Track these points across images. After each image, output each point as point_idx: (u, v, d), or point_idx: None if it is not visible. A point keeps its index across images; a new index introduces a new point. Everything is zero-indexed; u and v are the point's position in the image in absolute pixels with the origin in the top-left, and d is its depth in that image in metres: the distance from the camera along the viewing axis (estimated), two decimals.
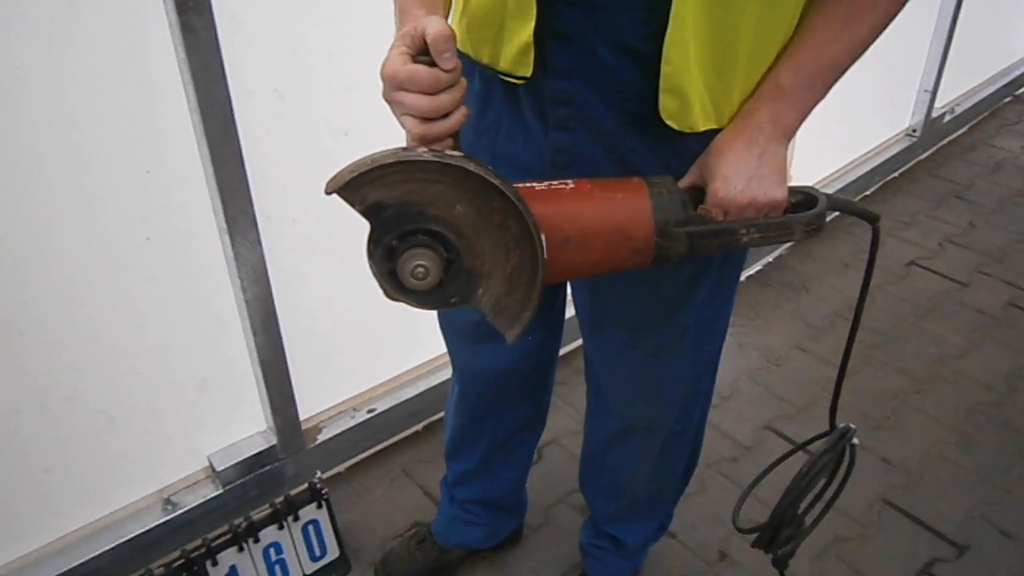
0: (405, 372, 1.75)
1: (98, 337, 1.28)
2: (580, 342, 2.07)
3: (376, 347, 1.65)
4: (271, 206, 1.34)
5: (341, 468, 1.70)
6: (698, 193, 0.86)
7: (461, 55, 0.91)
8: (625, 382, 1.12)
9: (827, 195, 0.87)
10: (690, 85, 0.80)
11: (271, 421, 1.52)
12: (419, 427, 1.80)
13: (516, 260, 0.74)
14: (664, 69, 0.79)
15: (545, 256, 0.74)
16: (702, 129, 0.84)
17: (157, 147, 1.21)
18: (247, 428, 1.54)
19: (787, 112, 0.83)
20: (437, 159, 0.67)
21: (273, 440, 1.53)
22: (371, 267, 0.72)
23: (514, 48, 0.83)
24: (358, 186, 0.68)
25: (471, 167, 0.68)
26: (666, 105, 0.81)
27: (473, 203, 0.70)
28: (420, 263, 0.70)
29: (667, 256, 0.82)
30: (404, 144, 0.75)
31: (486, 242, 0.73)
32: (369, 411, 1.67)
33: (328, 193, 0.67)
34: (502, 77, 0.88)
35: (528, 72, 0.84)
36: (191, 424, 1.46)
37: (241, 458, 1.50)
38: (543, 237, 0.73)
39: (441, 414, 1.77)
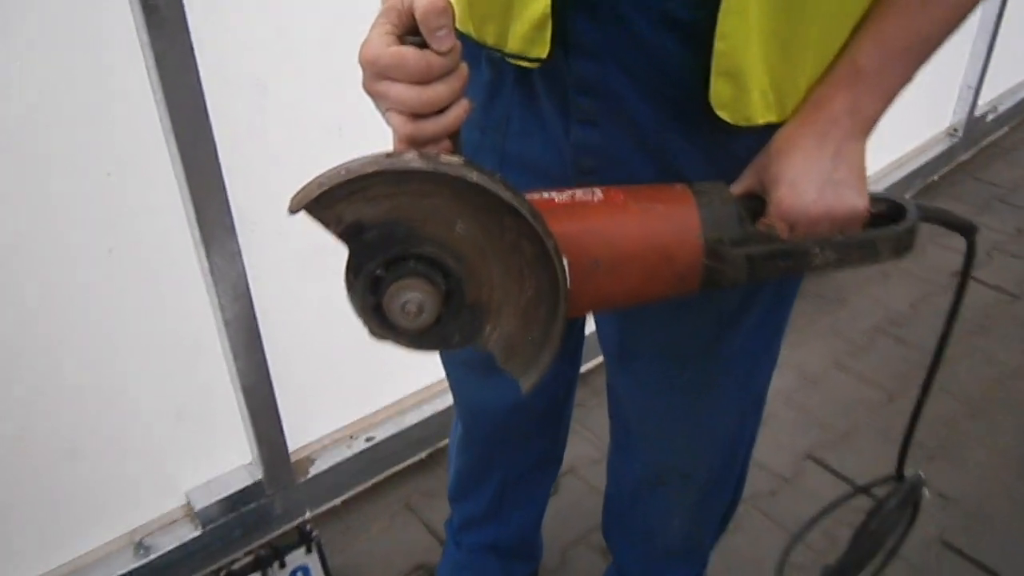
0: (407, 396, 1.60)
1: (57, 361, 1.13)
2: (600, 359, 1.93)
3: (375, 369, 1.50)
4: (253, 213, 1.18)
5: (336, 502, 1.54)
6: (756, 203, 0.70)
7: (462, 37, 0.76)
8: (658, 422, 0.95)
9: (917, 204, 0.71)
10: (749, 65, 0.64)
11: (256, 453, 1.37)
12: (423, 455, 1.65)
13: (532, 290, 0.60)
14: (717, 45, 0.63)
15: (568, 285, 0.59)
16: (761, 122, 0.69)
17: (119, 145, 1.06)
18: (229, 461, 1.39)
19: (867, 100, 0.67)
20: (430, 167, 0.53)
21: (259, 474, 1.39)
22: (351, 302, 0.59)
23: (526, 22, 0.68)
24: (331, 202, 0.54)
25: (473, 176, 0.54)
26: (718, 91, 0.65)
27: (477, 220, 0.57)
28: (412, 296, 0.57)
29: (719, 282, 0.67)
30: (391, 147, 0.61)
31: (494, 269, 0.59)
32: (367, 439, 1.53)
33: (292, 212, 0.53)
34: (512, 61, 0.72)
35: (544, 52, 0.69)
36: (166, 457, 1.31)
37: (223, 495, 1.36)
38: (565, 261, 0.59)
39: (447, 441, 1.61)
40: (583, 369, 1.45)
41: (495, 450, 1.14)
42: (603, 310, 0.69)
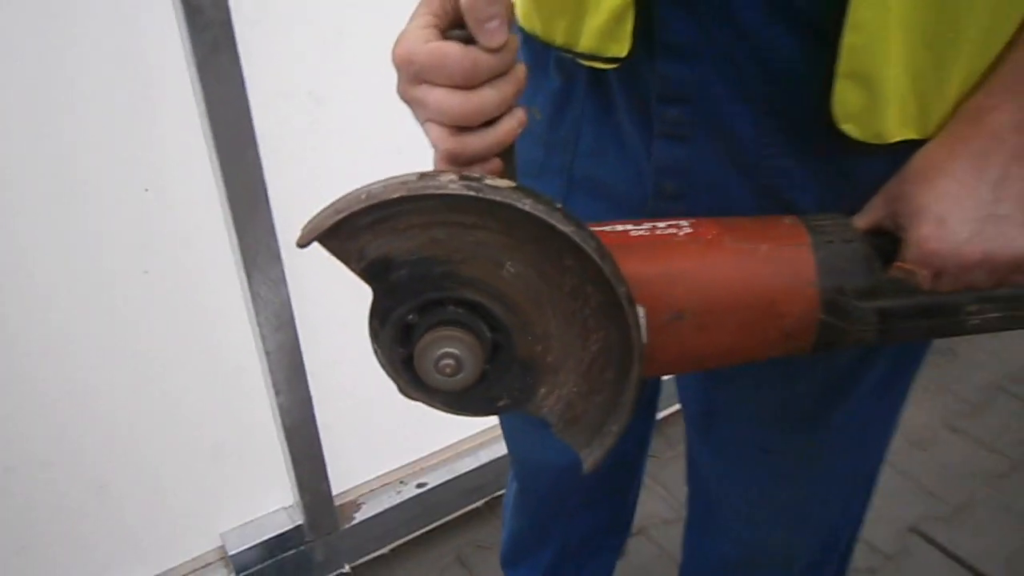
0: (462, 440, 1.49)
1: (87, 388, 1.06)
2: (675, 407, 1.78)
3: (427, 410, 1.36)
4: None
5: (382, 551, 1.43)
6: (886, 242, 0.56)
7: (528, 39, 0.62)
8: (749, 500, 0.80)
9: None
10: (886, 67, 0.51)
11: (297, 496, 1.27)
12: (478, 504, 1.53)
13: (598, 346, 0.49)
14: (847, 39, 0.50)
15: (644, 341, 0.47)
16: (896, 139, 0.55)
17: (158, 160, 0.99)
18: (269, 503, 1.30)
19: None
20: (472, 192, 0.43)
21: (299, 519, 1.29)
22: (377, 354, 0.49)
23: (603, 14, 0.56)
24: (351, 232, 0.44)
25: (526, 205, 0.43)
26: (844, 98, 0.52)
27: (532, 260, 0.46)
28: (450, 349, 0.46)
29: (838, 342, 0.54)
30: (432, 167, 0.51)
31: (552, 319, 0.48)
32: (418, 485, 1.42)
33: (302, 245, 0.45)
34: (585, 63, 0.60)
35: (623, 50, 0.57)
36: (201, 497, 1.22)
37: (261, 539, 1.27)
38: (641, 312, 0.47)
39: (504, 491, 1.48)
40: (657, 416, 1.30)
41: (554, 513, 1.00)
42: (687, 371, 0.56)
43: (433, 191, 0.43)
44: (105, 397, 1.07)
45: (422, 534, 1.47)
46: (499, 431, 1.46)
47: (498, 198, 0.43)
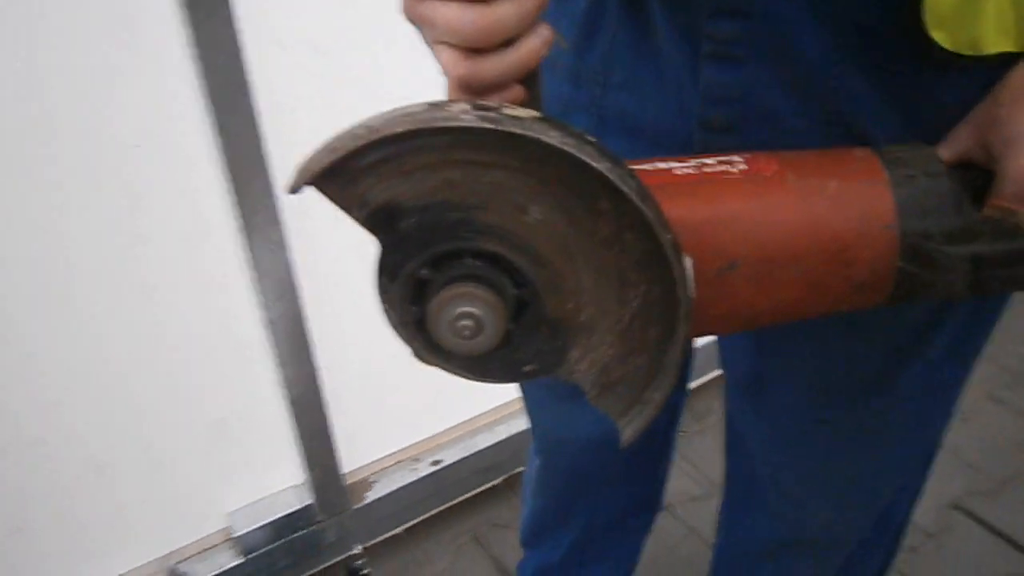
0: (480, 415, 1.41)
1: (79, 362, 0.99)
2: (706, 377, 1.70)
3: (443, 383, 1.29)
4: (302, 198, 1.01)
5: (396, 531, 1.37)
6: (977, 177, 0.48)
7: None
8: (799, 475, 0.72)
9: None
10: None
11: (307, 474, 1.21)
12: (496, 482, 1.46)
13: (638, 303, 0.42)
14: None
15: (692, 295, 0.40)
16: (992, 51, 0.46)
17: (147, 112, 0.91)
18: (276, 482, 1.23)
19: None
20: (489, 124, 0.36)
21: (309, 498, 1.23)
22: (386, 315, 0.43)
23: None
24: (350, 176, 0.38)
25: (553, 138, 0.37)
26: (936, 1, 0.43)
27: (560, 204, 0.40)
28: (468, 308, 0.40)
29: (920, 294, 0.46)
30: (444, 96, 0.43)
31: (584, 272, 0.42)
32: (433, 463, 1.35)
33: (292, 190, 0.39)
34: None
35: None
36: (206, 475, 1.16)
37: (269, 519, 1.20)
38: (688, 262, 0.40)
39: (524, 468, 1.42)
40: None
41: (578, 490, 0.93)
42: (739, 330, 0.49)
43: (442, 123, 0.36)
44: (99, 371, 1.00)
45: (437, 513, 1.41)
46: (518, 405, 1.39)
47: (519, 130, 0.36)
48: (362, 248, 1.13)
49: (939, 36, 0.45)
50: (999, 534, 1.36)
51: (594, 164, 0.36)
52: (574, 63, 0.61)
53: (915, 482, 0.77)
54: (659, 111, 0.58)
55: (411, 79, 1.03)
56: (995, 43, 0.46)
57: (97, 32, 0.85)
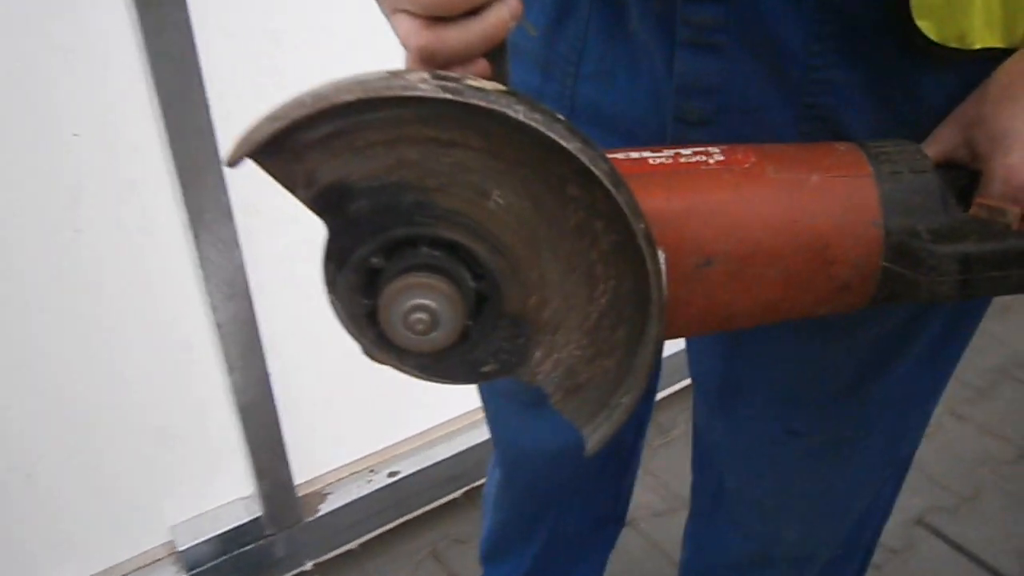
0: (439, 425, 1.37)
1: (12, 362, 0.93)
2: (672, 388, 1.68)
3: (401, 391, 1.27)
4: (256, 195, 0.97)
5: (351, 546, 1.32)
6: (959, 176, 0.47)
7: None
8: (769, 488, 0.69)
9: None
10: None
11: (255, 485, 1.15)
12: (456, 495, 1.42)
13: (607, 298, 0.39)
14: None
15: (666, 293, 0.37)
16: (978, 45, 0.45)
17: (88, 100, 0.86)
18: (224, 493, 1.17)
19: None
20: (449, 95, 0.33)
21: (258, 511, 1.17)
22: (333, 306, 0.40)
23: None
24: (295, 151, 0.35)
25: (519, 113, 0.33)
26: None
27: (526, 188, 0.37)
28: (423, 301, 0.37)
29: (904, 295, 0.44)
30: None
31: (551, 264, 0.39)
32: (390, 474, 1.30)
33: (231, 163, 0.34)
34: None
35: None
36: (147, 486, 1.10)
37: (214, 533, 1.15)
38: (662, 257, 0.37)
39: (484, 480, 1.38)
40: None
41: (542, 504, 0.89)
42: (712, 331, 0.46)
43: (398, 92, 0.32)
44: (31, 372, 0.94)
45: (394, 527, 1.36)
46: (479, 415, 1.35)
47: (482, 103, 0.33)
48: (318, 247, 1.09)
49: (925, 26, 0.43)
50: (962, 550, 1.36)
51: (564, 143, 0.33)
52: (543, 52, 0.58)
53: (888, 494, 0.75)
54: (632, 103, 0.55)
55: (371, 67, 0.99)
56: (982, 37, 0.44)
57: (35, 9, 0.80)
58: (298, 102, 0.33)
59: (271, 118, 0.33)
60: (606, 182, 0.34)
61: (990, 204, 0.44)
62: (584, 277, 0.38)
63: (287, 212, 1.02)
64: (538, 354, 0.40)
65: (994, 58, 0.46)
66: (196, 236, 0.93)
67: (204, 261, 0.95)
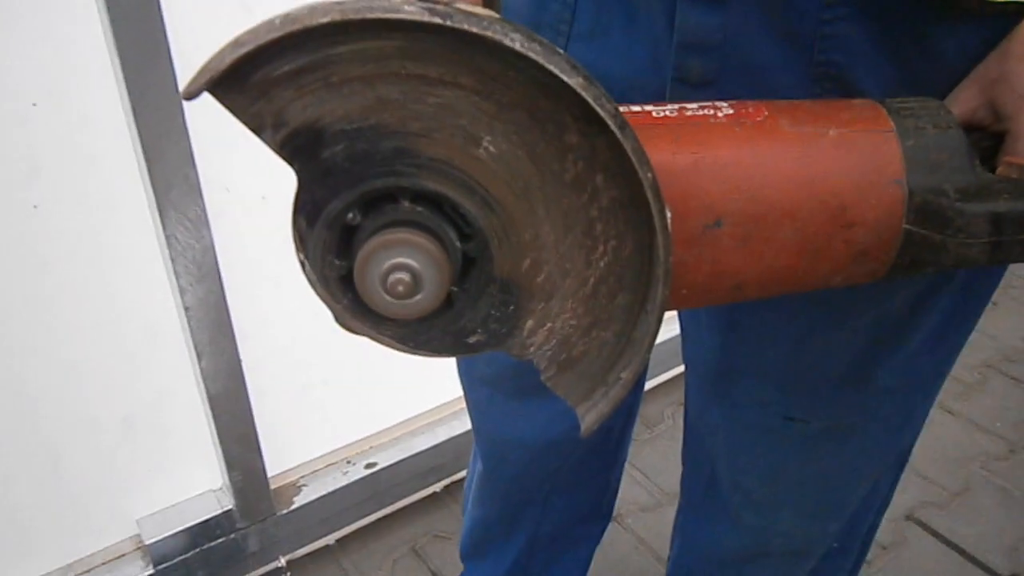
0: (419, 415, 1.33)
1: None
2: (659, 378, 1.64)
3: (379, 379, 1.23)
4: (226, 170, 0.92)
5: (327, 541, 1.27)
6: (981, 139, 0.44)
7: None
8: (765, 479, 0.66)
9: None
10: None
11: (226, 477, 1.11)
12: (437, 487, 1.38)
13: (607, 260, 0.36)
14: None
15: (670, 256, 0.34)
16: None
17: (49, 69, 0.81)
18: (192, 485, 1.13)
19: None
20: (439, 19, 0.29)
21: (229, 503, 1.13)
22: (303, 267, 0.36)
23: None
24: (261, 85, 0.31)
25: (517, 43, 0.30)
26: None
27: (521, 135, 0.33)
28: (404, 261, 0.34)
29: (929, 262, 0.41)
30: None
31: (545, 221, 0.35)
32: (367, 466, 1.26)
33: (188, 96, 0.30)
34: None
35: None
36: (113, 477, 1.06)
37: (182, 526, 1.10)
38: (668, 217, 0.33)
39: (465, 473, 1.34)
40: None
41: (525, 499, 0.86)
42: (718, 301, 0.42)
43: (380, 15, 0.29)
44: None
45: (371, 522, 1.33)
46: (460, 404, 1.31)
47: (475, 29, 0.29)
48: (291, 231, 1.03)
49: None
50: (953, 545, 1.33)
51: (565, 78, 0.30)
52: (533, 12, 0.55)
53: (887, 485, 0.72)
54: (629, 63, 0.51)
55: None
56: None
57: None
58: (267, 25, 0.29)
59: (235, 43, 0.29)
60: (611, 123, 0.31)
61: (1020, 163, 0.40)
62: (582, 237, 0.35)
63: (260, 189, 0.98)
64: (530, 323, 0.37)
65: (1015, 14, 0.43)
66: (162, 214, 0.88)
67: (170, 240, 0.90)
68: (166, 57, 0.81)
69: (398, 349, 0.38)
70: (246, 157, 0.89)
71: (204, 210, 0.90)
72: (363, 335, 0.38)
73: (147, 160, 0.85)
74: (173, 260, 0.91)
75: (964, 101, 0.44)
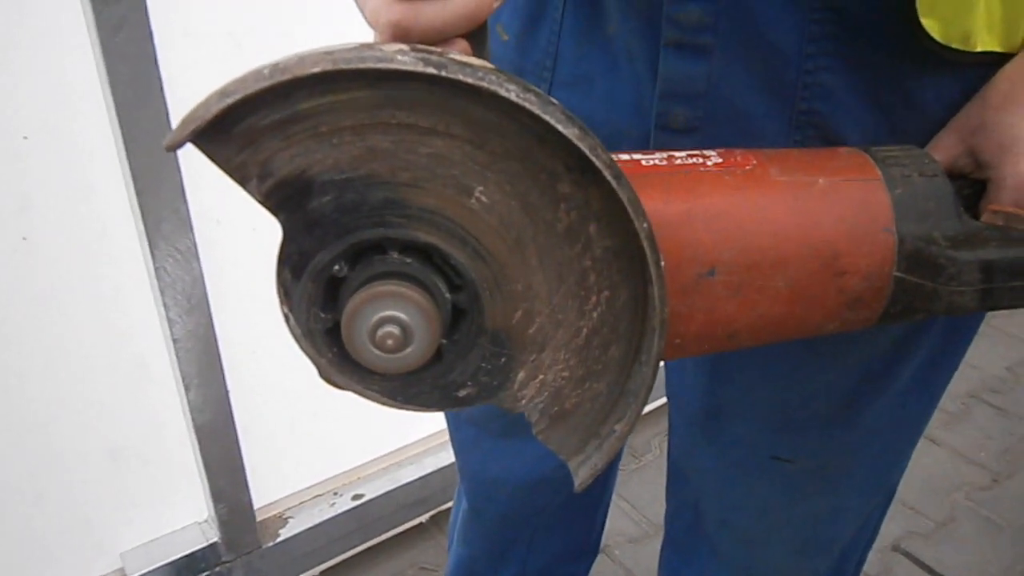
0: (406, 447, 1.32)
1: None
2: (645, 409, 1.64)
3: (366, 411, 1.20)
4: (215, 203, 0.93)
5: (315, 572, 1.26)
6: (962, 186, 0.45)
7: None
8: (752, 516, 0.66)
9: None
10: None
11: (212, 509, 1.09)
12: (423, 519, 1.37)
13: (600, 312, 0.35)
14: None
15: (667, 307, 0.34)
16: (980, 49, 0.43)
17: (40, 103, 0.81)
18: (178, 518, 1.12)
19: None
20: (433, 69, 0.28)
21: (214, 536, 1.12)
22: (287, 320, 0.35)
23: None
24: (248, 135, 0.30)
25: (513, 93, 0.29)
26: None
27: (514, 185, 0.33)
28: (393, 314, 0.32)
29: (919, 309, 0.41)
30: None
31: (538, 272, 0.35)
32: (354, 497, 1.25)
33: (171, 147, 0.29)
34: None
35: None
36: (97, 509, 1.05)
37: (167, 560, 1.09)
38: (662, 265, 0.33)
39: (452, 503, 1.33)
40: None
41: (510, 538, 0.85)
42: (711, 351, 0.42)
43: (373, 65, 0.28)
44: None
45: (357, 553, 1.31)
46: (446, 436, 1.30)
47: (470, 79, 0.28)
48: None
49: (930, 25, 0.41)
50: (937, 575, 1.34)
51: (561, 128, 0.29)
52: (515, 58, 0.55)
53: (875, 522, 0.72)
54: (612, 110, 0.52)
55: None
56: (983, 40, 0.42)
57: None
58: (255, 74, 0.28)
59: (221, 93, 0.28)
60: (607, 174, 0.30)
61: (1006, 211, 0.41)
62: (575, 288, 0.35)
63: (249, 222, 0.98)
64: (522, 375, 0.36)
65: (992, 63, 0.44)
66: (152, 246, 0.88)
67: (160, 272, 0.90)
68: (158, 92, 0.82)
69: (385, 404, 0.37)
70: (237, 189, 0.90)
71: (194, 242, 0.90)
72: (349, 390, 0.37)
73: (138, 193, 0.85)
74: (162, 292, 0.91)
75: (945, 149, 0.45)
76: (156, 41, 0.80)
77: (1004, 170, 0.42)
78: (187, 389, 0.98)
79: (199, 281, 0.93)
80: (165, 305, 0.92)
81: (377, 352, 0.33)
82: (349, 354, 0.33)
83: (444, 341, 0.34)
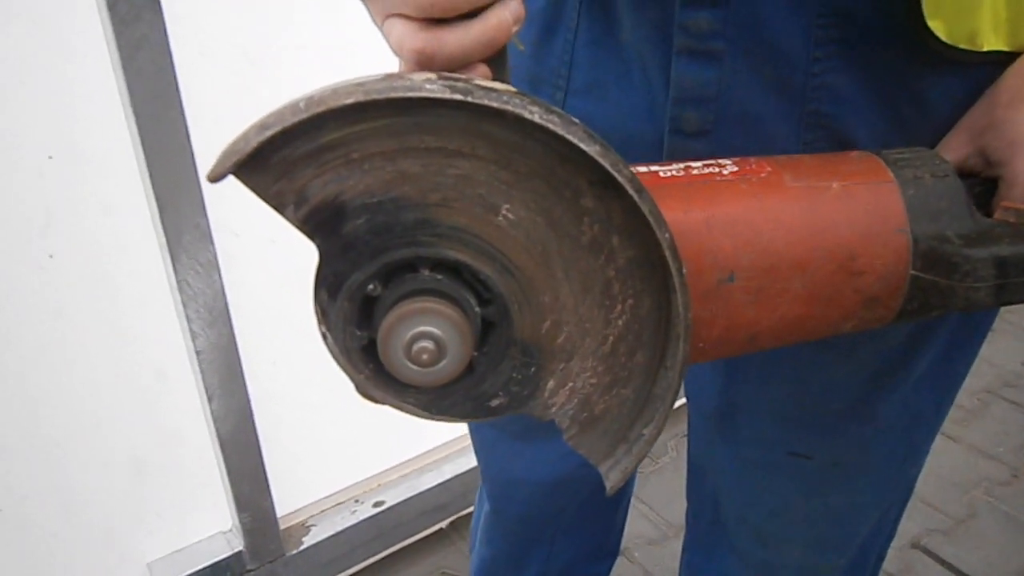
0: (426, 453, 1.34)
1: None
2: None
3: (386, 419, 1.22)
4: (235, 216, 0.94)
5: None
6: (974, 184, 0.46)
7: None
8: (770, 513, 0.67)
9: None
10: None
11: (236, 518, 1.11)
12: (444, 524, 1.38)
13: (625, 320, 0.37)
14: None
15: (690, 313, 0.35)
16: (986, 48, 0.44)
17: (64, 120, 0.83)
18: (203, 527, 1.13)
19: None
20: (460, 95, 0.30)
21: (239, 544, 1.13)
22: (325, 340, 0.36)
23: None
24: (284, 165, 0.31)
25: (536, 115, 0.31)
26: None
27: (539, 202, 0.34)
28: (427, 329, 0.34)
29: (935, 306, 0.42)
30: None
31: (564, 284, 0.36)
32: (376, 504, 1.26)
33: (213, 179, 0.31)
34: None
35: None
36: (123, 520, 1.06)
37: (194, 569, 1.11)
38: (684, 273, 0.35)
39: (471, 509, 1.34)
40: None
41: (532, 538, 0.86)
42: (733, 353, 0.43)
43: (403, 93, 0.29)
44: (1, 403, 0.90)
45: (379, 560, 1.32)
46: (466, 441, 1.32)
47: (495, 104, 0.30)
48: (302, 271, 1.07)
49: (936, 26, 0.42)
50: (959, 572, 1.33)
51: (584, 147, 0.31)
52: (531, 67, 0.56)
53: (893, 517, 0.72)
54: (626, 116, 0.53)
55: None
56: (988, 40, 0.43)
57: (8, 28, 0.77)
58: (291, 107, 0.29)
59: (260, 126, 0.30)
60: (629, 188, 0.32)
61: (1018, 208, 0.42)
62: (600, 297, 0.36)
63: (268, 234, 1.00)
64: (551, 384, 0.37)
65: (999, 62, 0.45)
66: (174, 260, 0.90)
67: (182, 285, 0.92)
68: (178, 109, 0.84)
69: (421, 416, 0.38)
70: (256, 202, 0.92)
71: (215, 255, 0.92)
72: (385, 404, 0.38)
73: (160, 209, 0.87)
74: (185, 305, 0.93)
75: (955, 149, 0.46)
76: (175, 58, 0.82)
77: (1015, 167, 0.42)
78: (210, 400, 1.00)
79: (220, 293, 0.94)
80: (188, 317, 0.94)
81: (413, 366, 0.34)
82: (385, 369, 0.34)
83: (476, 353, 0.35)
